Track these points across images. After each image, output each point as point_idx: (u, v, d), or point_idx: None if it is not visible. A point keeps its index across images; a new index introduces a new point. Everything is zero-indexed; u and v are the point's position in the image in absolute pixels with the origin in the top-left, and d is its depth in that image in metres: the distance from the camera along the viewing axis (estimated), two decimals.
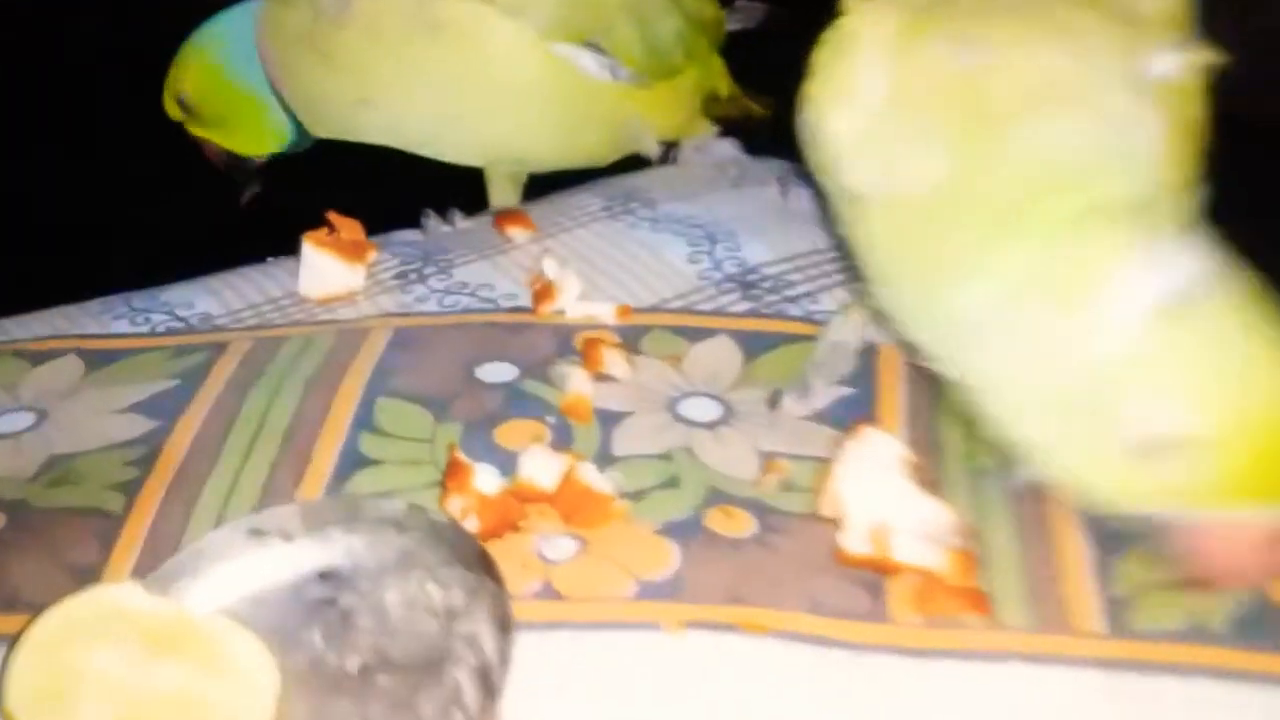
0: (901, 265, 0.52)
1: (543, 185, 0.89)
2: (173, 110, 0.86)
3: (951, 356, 0.51)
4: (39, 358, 0.71)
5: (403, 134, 0.80)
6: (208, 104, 0.85)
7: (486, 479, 0.55)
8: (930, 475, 0.55)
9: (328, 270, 0.73)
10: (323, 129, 0.82)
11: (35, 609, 0.53)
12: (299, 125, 0.83)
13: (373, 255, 0.76)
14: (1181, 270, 0.45)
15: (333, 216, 0.76)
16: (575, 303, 0.70)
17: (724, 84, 0.89)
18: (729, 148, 0.89)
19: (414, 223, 0.84)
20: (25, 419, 0.65)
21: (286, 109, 0.82)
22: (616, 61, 0.78)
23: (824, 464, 0.58)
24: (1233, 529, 0.45)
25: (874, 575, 0.52)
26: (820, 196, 0.60)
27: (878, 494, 0.53)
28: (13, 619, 0.53)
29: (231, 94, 0.84)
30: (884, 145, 0.50)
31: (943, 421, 0.61)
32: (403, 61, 0.75)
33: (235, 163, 0.87)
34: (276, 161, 0.94)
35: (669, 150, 0.90)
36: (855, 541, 0.52)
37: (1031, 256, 0.46)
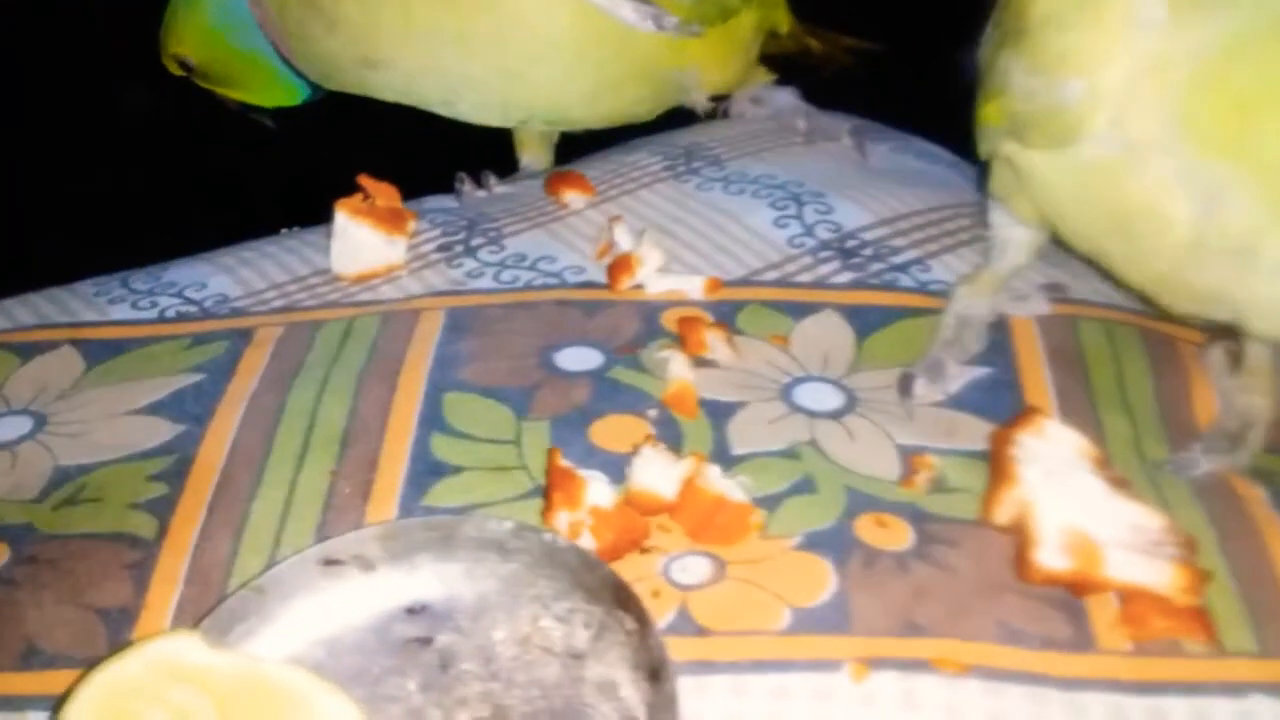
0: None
1: (575, 144, 0.80)
2: (173, 68, 0.80)
3: None
4: (27, 351, 0.60)
5: (418, 94, 0.71)
6: (213, 66, 0.79)
7: (601, 490, 0.47)
8: (1120, 474, 0.47)
9: (365, 243, 0.64)
10: (334, 87, 0.73)
11: (59, 662, 0.44)
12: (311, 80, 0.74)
13: (413, 225, 0.66)
14: None
15: (365, 181, 0.66)
16: (656, 276, 0.61)
17: (783, 18, 0.80)
18: (789, 97, 0.79)
19: (442, 188, 0.75)
20: (19, 425, 0.55)
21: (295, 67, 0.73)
22: (660, 9, 0.69)
23: (977, 460, 0.50)
24: None
25: (1065, 594, 0.45)
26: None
27: (1069, 497, 0.45)
28: (32, 677, 0.43)
29: (236, 56, 0.78)
30: (1184, 68, 0.42)
31: (1102, 405, 0.54)
32: (412, 17, 0.65)
33: (251, 110, 0.82)
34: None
35: (720, 102, 0.81)
36: (1050, 555, 0.44)
37: None
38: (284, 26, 0.69)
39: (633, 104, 0.74)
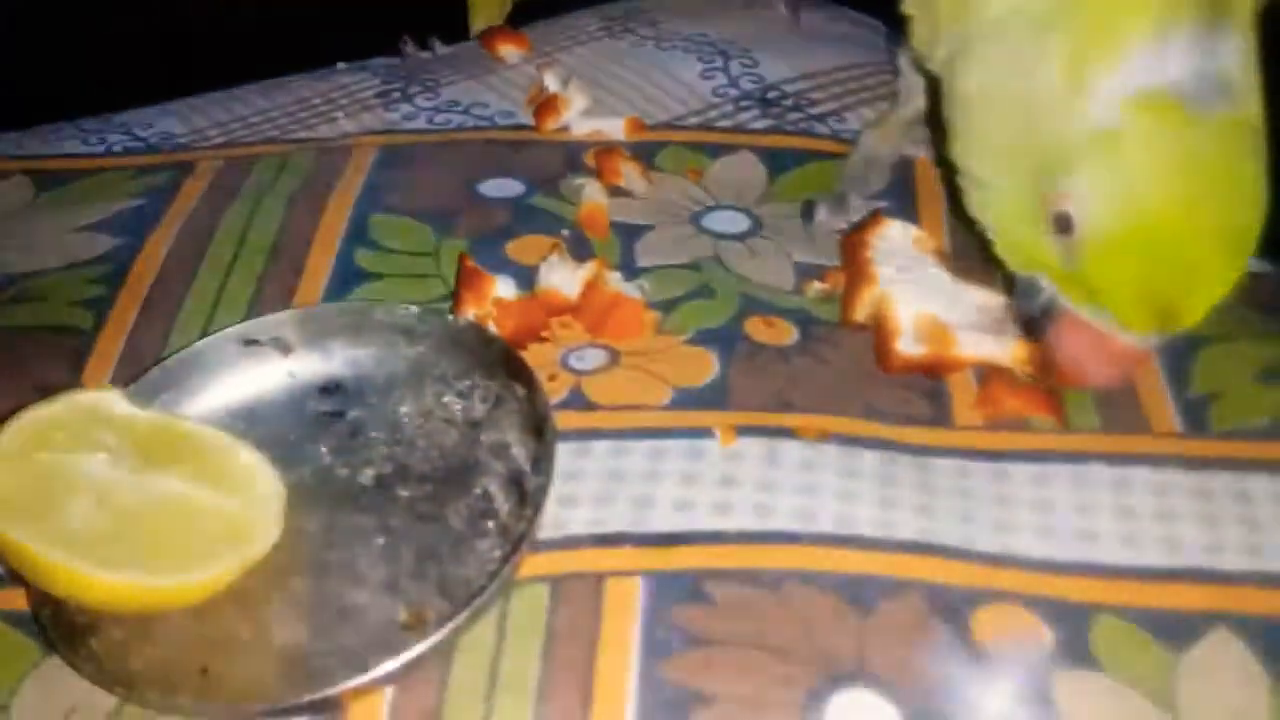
0: None
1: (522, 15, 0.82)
2: None
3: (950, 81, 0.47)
4: None
5: None
6: None
7: (506, 287, 0.50)
8: (961, 263, 0.51)
9: None
10: None
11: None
12: None
13: None
14: (1192, 67, 0.40)
15: None
16: (581, 118, 0.64)
17: None
18: None
19: (390, 51, 0.77)
20: None
21: None
22: None
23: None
24: (1088, 330, 0.42)
25: (932, 383, 0.48)
26: None
27: (919, 289, 0.49)
28: None
29: None
30: None
31: None
32: None
33: None
34: None
35: None
36: (908, 343, 0.48)
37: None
38: None
39: None
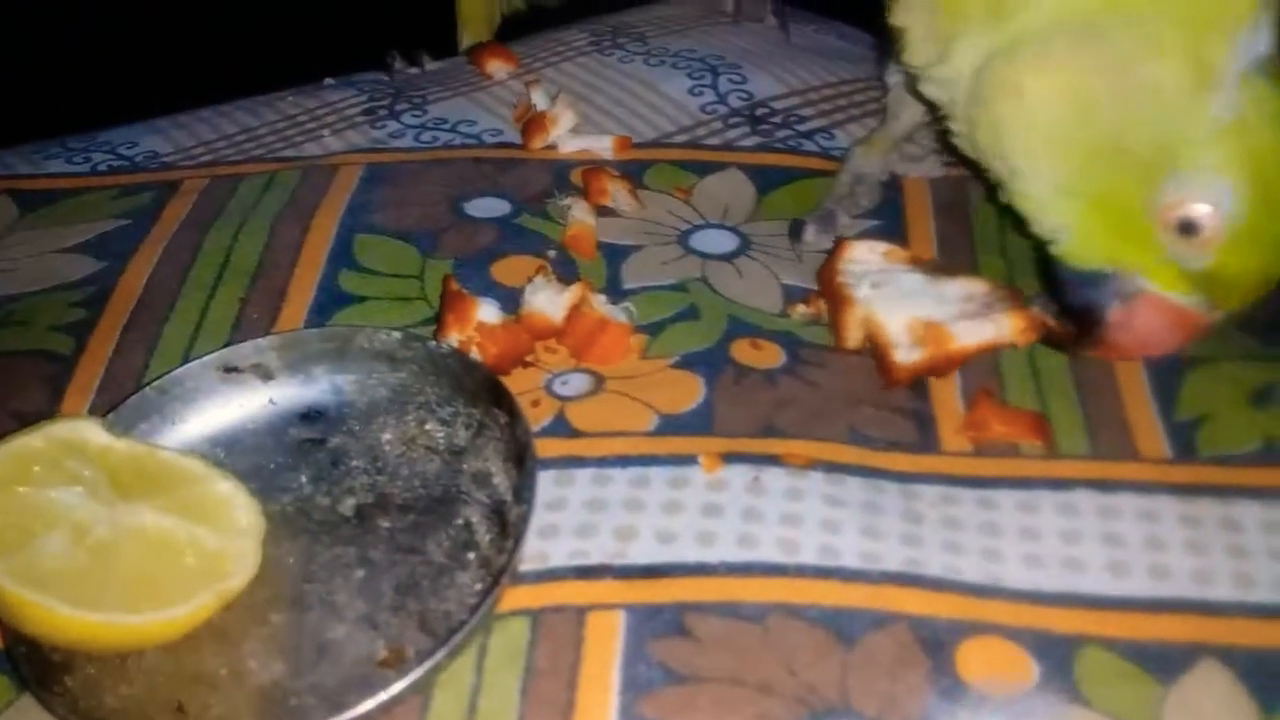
0: None
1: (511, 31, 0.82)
2: None
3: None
4: None
5: None
6: None
7: (490, 311, 0.50)
8: (935, 261, 0.51)
9: None
10: None
11: None
12: None
13: None
14: (1266, 42, 0.42)
15: None
16: (569, 136, 0.64)
17: None
18: None
19: (378, 66, 0.77)
20: None
21: None
22: None
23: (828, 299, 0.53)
24: (1169, 307, 0.45)
25: (919, 406, 0.48)
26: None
27: (901, 296, 0.49)
28: None
29: None
30: None
31: (980, 249, 0.57)
32: None
33: None
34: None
35: None
36: (905, 352, 0.47)
37: None
38: None
39: None
